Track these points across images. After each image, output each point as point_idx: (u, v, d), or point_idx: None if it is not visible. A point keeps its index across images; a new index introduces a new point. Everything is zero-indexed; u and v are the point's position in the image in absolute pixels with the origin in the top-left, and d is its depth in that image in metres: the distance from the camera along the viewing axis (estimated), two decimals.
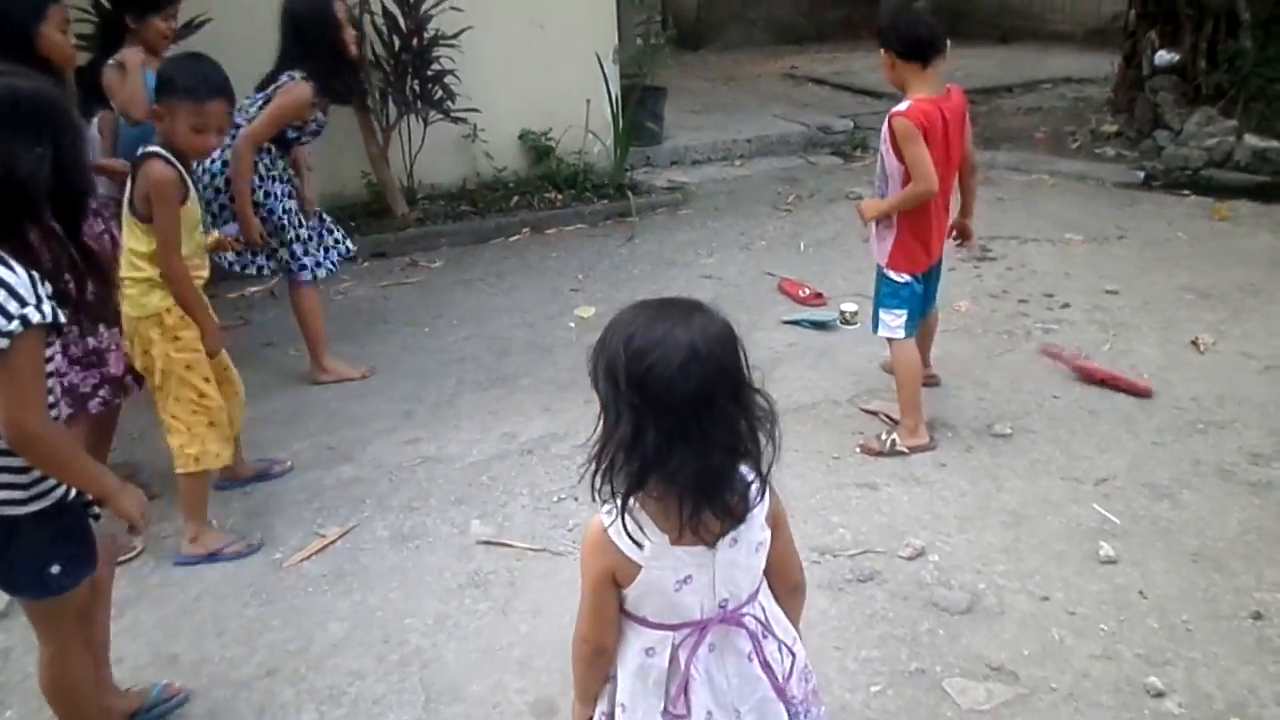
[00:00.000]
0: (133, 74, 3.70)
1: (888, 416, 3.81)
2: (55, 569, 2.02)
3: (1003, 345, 4.49)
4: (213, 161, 3.90)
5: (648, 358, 1.41)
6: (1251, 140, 6.83)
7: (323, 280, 4.29)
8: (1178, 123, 7.26)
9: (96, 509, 2.13)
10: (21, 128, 1.81)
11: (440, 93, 6.21)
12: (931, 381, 4.02)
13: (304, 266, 4.14)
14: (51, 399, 1.97)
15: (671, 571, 1.53)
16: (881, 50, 3.46)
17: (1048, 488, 3.39)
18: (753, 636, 1.61)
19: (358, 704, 2.56)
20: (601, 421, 1.47)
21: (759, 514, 1.57)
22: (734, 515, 1.51)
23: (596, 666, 1.66)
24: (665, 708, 1.60)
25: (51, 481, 1.98)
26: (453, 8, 6.06)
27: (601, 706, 1.69)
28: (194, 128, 2.89)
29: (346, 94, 4.10)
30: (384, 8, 6.03)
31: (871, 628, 2.75)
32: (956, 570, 2.97)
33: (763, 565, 1.63)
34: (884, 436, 3.65)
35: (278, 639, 2.80)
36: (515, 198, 6.67)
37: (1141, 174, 7.02)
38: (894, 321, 3.59)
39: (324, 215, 4.35)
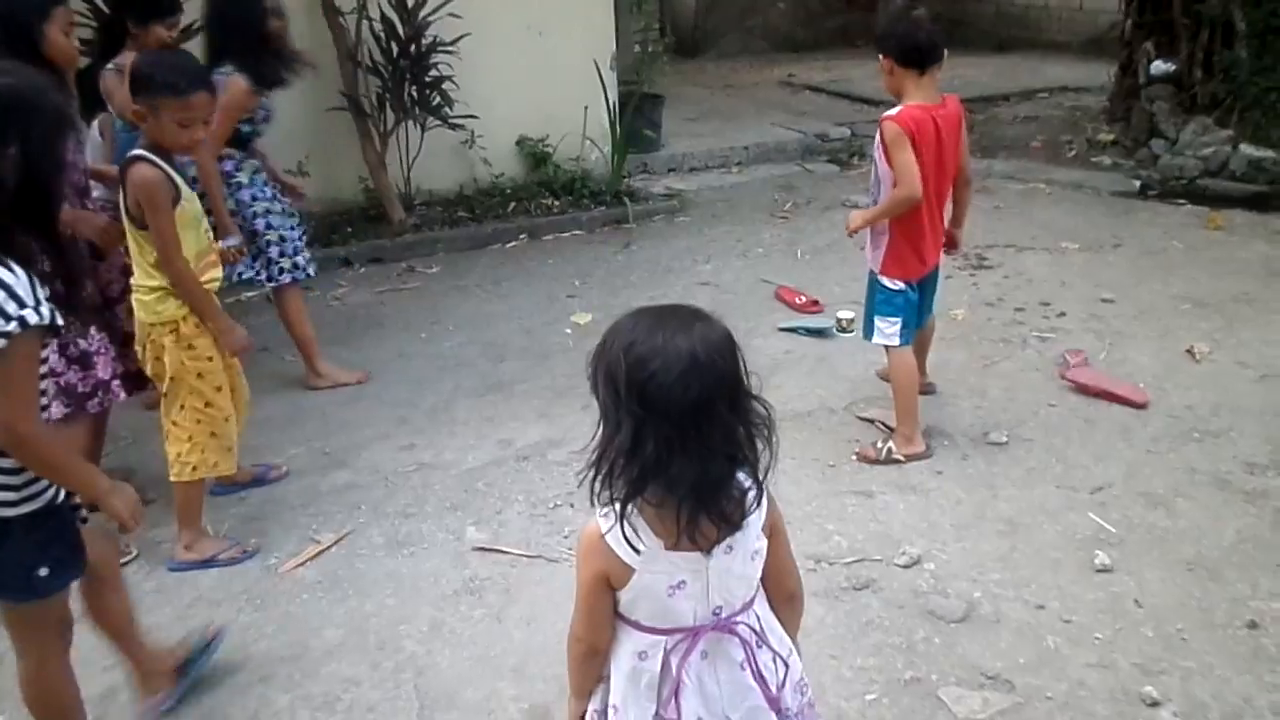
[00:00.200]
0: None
1: (884, 424, 3.81)
2: (43, 571, 2.01)
3: (999, 353, 4.50)
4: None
5: (648, 365, 1.41)
6: (1247, 150, 6.85)
7: (307, 282, 4.27)
8: (1174, 132, 7.28)
9: (85, 512, 2.13)
10: None
11: (438, 99, 6.22)
12: (928, 389, 4.02)
13: (283, 270, 4.13)
14: (44, 400, 1.96)
15: (665, 576, 1.53)
16: (880, 56, 3.47)
17: (1043, 496, 3.39)
18: (746, 645, 1.61)
19: (352, 711, 2.55)
20: (601, 427, 1.48)
21: (755, 522, 1.57)
22: (731, 522, 1.51)
23: (590, 665, 1.66)
24: (657, 711, 1.60)
25: (43, 483, 1.98)
26: (451, 14, 6.07)
27: (594, 704, 1.70)
28: (179, 123, 2.83)
29: (279, 80, 4.07)
30: (382, 14, 6.04)
31: (867, 636, 2.74)
32: (952, 578, 2.97)
33: (758, 574, 1.63)
34: (880, 444, 3.65)
35: (272, 645, 2.79)
36: (512, 204, 6.68)
37: (1138, 183, 7.03)
38: (888, 329, 3.59)
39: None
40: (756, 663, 1.62)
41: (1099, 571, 2.97)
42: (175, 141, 2.87)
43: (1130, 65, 8.04)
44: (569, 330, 4.96)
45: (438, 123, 6.28)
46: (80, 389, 3.10)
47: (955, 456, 3.65)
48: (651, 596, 1.55)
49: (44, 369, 1.95)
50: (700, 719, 1.60)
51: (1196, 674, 2.56)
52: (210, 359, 3.04)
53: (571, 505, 3.39)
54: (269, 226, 4.07)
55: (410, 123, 6.26)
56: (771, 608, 1.70)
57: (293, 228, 4.18)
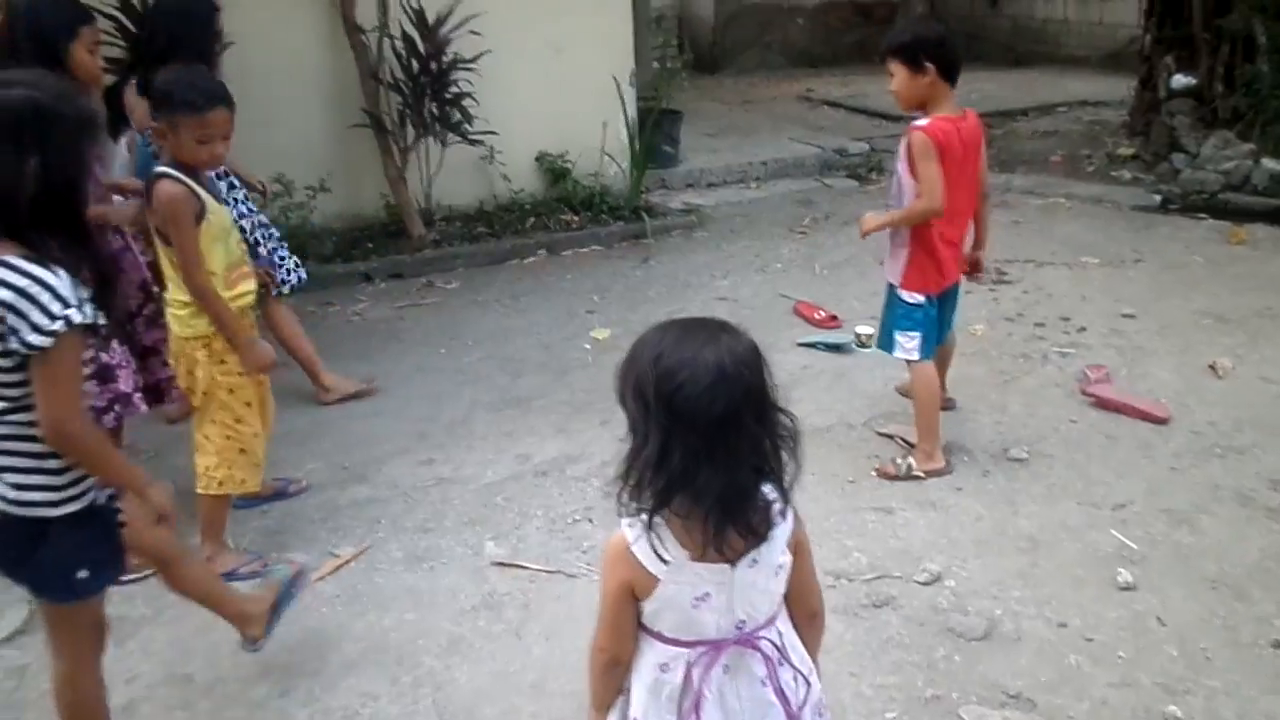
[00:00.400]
0: None
1: (904, 440, 3.80)
2: (83, 573, 2.04)
3: (1019, 369, 4.48)
4: None
5: (676, 377, 1.43)
6: (1269, 164, 6.79)
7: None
8: (1194, 146, 7.23)
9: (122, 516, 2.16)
10: (3, 139, 1.82)
11: (458, 115, 6.25)
12: (948, 405, 4.00)
13: (284, 280, 4.15)
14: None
15: (690, 587, 1.54)
16: (907, 65, 3.39)
17: (1065, 513, 3.37)
18: (768, 661, 1.61)
19: None
20: (630, 439, 1.49)
21: (781, 536, 1.58)
22: (757, 533, 1.52)
23: (611, 677, 1.67)
24: None
25: (84, 484, 2.01)
26: (471, 31, 6.11)
27: (614, 717, 1.70)
28: (198, 139, 2.87)
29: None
30: (403, 31, 6.09)
31: (887, 653, 2.73)
32: (973, 596, 2.96)
33: (782, 590, 1.63)
34: (900, 460, 3.63)
35: (291, 660, 2.80)
36: (531, 219, 6.70)
37: (1158, 197, 6.99)
38: (908, 343, 3.58)
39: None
40: (778, 679, 1.61)
41: (1121, 589, 2.95)
42: (195, 158, 2.91)
43: (1150, 79, 8.01)
44: (588, 345, 4.97)
45: (458, 139, 6.32)
46: (97, 403, 3.13)
47: (975, 473, 3.63)
48: (676, 608, 1.56)
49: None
50: None
51: (1221, 693, 2.53)
52: (241, 374, 3.07)
53: (590, 520, 3.40)
54: (268, 237, 4.11)
55: (431, 139, 6.30)
56: (794, 626, 1.70)
57: (276, 239, 4.18)
